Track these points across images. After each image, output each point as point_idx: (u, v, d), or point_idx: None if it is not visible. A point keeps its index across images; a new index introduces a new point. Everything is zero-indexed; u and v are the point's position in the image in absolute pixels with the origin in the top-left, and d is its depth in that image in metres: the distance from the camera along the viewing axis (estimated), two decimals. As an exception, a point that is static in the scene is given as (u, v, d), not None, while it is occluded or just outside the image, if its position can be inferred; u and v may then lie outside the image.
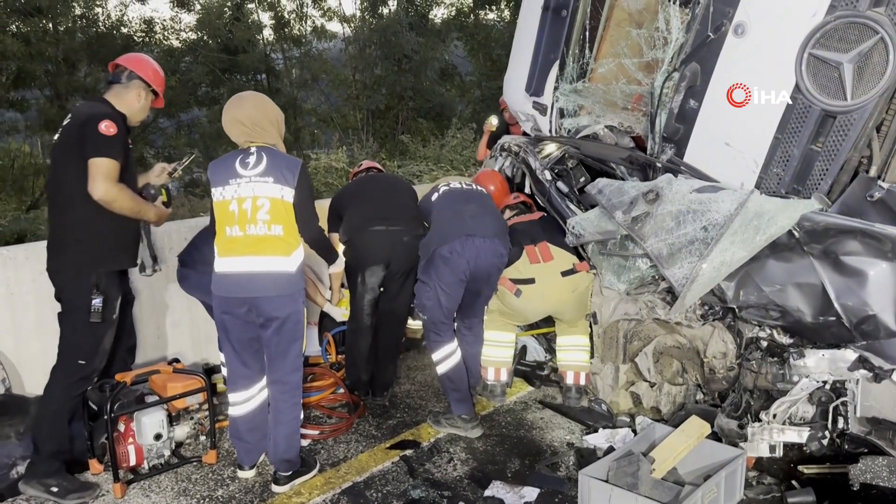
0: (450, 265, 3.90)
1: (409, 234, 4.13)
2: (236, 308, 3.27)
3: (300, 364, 3.45)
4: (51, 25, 16.68)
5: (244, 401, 3.44)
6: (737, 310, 3.52)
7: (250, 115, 3.31)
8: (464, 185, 4.37)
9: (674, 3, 3.88)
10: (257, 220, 3.22)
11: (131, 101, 3.53)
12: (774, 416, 3.37)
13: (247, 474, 3.52)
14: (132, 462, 3.49)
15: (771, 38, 3.45)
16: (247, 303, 3.25)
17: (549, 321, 4.63)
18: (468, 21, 23.44)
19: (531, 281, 4.11)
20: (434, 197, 4.27)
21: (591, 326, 4.27)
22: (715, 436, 3.51)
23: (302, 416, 3.54)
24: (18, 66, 14.85)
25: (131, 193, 3.41)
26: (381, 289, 4.21)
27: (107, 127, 3.25)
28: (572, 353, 4.33)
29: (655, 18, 4.06)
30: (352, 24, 22.01)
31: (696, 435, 3.31)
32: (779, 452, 3.37)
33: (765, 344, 3.58)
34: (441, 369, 4.08)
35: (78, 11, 17.89)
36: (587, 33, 4.57)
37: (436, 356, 4.09)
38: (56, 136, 3.45)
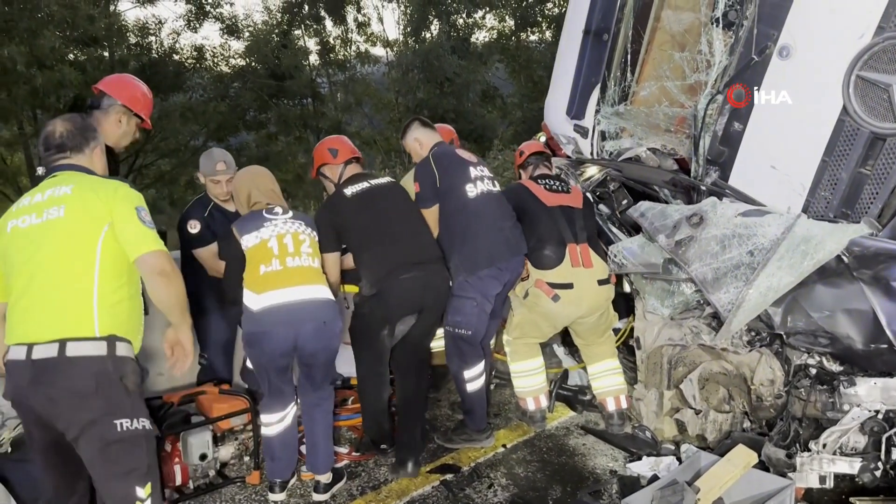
0: (498, 279, 3.88)
1: (441, 274, 3.81)
2: (281, 341, 3.29)
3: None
4: (106, 54, 17.32)
5: (278, 420, 3.50)
6: (784, 336, 3.44)
7: (268, 185, 3.67)
8: (492, 188, 4.04)
9: (717, 25, 3.85)
10: (301, 252, 3.41)
11: (111, 129, 3.36)
12: (824, 445, 3.27)
13: (278, 497, 3.54)
14: (178, 482, 3.54)
15: (817, 61, 3.41)
16: (294, 333, 3.29)
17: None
18: (510, 43, 23.62)
19: (570, 286, 4.00)
20: (470, 192, 3.90)
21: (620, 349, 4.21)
22: (762, 465, 3.42)
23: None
24: (76, 95, 15.44)
25: None
26: None
27: None
28: (606, 378, 4.26)
29: (698, 41, 4.05)
30: (395, 49, 22.39)
31: (742, 464, 3.23)
32: (829, 483, 3.26)
33: (814, 371, 3.49)
34: (472, 387, 3.98)
35: (133, 40, 18.55)
36: (629, 56, 4.56)
37: (469, 373, 3.97)
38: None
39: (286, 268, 3.34)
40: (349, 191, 3.79)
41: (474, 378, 3.99)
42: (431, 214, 3.94)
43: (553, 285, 3.99)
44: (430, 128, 4.29)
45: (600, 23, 4.62)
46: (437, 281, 3.79)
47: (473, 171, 3.99)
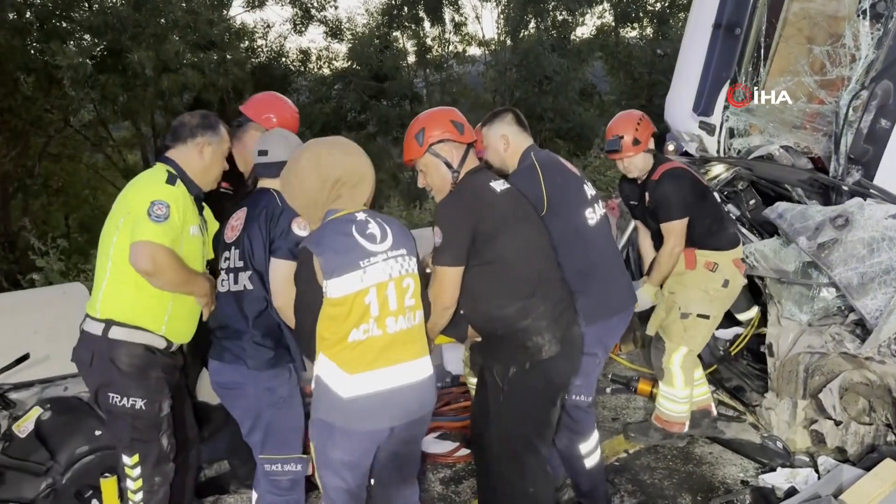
0: (622, 326, 3.19)
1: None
2: (369, 442, 2.32)
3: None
4: (216, 57, 18.15)
5: None
6: (939, 346, 3.24)
7: (369, 169, 2.44)
8: (604, 211, 3.17)
9: (863, 18, 3.66)
10: (405, 308, 2.31)
11: (242, 149, 3.15)
12: None
13: None
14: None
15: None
16: (388, 432, 2.31)
17: None
18: (609, 40, 23.26)
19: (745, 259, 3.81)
20: (591, 219, 3.00)
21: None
22: (912, 482, 3.22)
23: None
24: (195, 96, 16.33)
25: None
26: None
27: None
28: (703, 385, 3.93)
29: (832, 34, 3.88)
30: (491, 48, 22.44)
31: (891, 480, 3.05)
32: None
33: (972, 385, 3.27)
34: (591, 462, 3.13)
35: (245, 44, 19.36)
36: (762, 50, 4.39)
37: (585, 447, 3.11)
38: None
39: (386, 333, 2.25)
40: (497, 186, 2.66)
41: (591, 451, 3.14)
42: None
43: (743, 261, 3.72)
44: (525, 128, 3.11)
45: (732, 16, 4.45)
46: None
47: (588, 191, 3.08)
